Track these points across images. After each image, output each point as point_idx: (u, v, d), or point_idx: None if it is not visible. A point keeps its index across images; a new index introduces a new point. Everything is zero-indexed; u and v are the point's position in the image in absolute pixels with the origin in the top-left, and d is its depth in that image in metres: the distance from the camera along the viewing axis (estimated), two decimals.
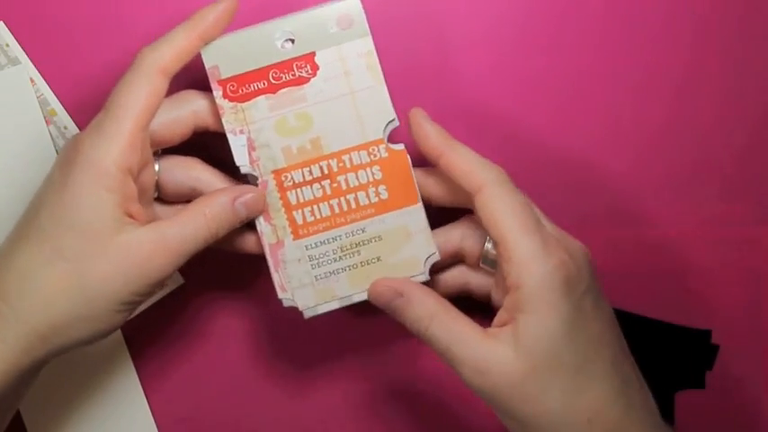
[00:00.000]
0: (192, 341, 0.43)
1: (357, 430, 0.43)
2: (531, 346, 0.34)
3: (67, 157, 0.34)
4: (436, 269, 0.40)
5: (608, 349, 0.35)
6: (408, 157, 0.39)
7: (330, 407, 0.43)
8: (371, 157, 0.39)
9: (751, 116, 0.44)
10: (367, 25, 0.38)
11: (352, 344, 0.44)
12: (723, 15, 0.44)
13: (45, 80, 0.43)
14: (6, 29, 0.43)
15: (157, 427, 0.43)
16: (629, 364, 0.36)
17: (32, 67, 0.43)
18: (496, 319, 0.35)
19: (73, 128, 0.43)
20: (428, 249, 0.38)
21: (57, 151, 0.43)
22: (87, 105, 0.43)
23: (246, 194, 0.37)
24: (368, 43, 0.38)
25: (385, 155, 0.39)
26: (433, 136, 0.37)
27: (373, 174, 0.39)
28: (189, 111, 0.38)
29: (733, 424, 0.43)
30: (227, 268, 0.43)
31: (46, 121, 0.43)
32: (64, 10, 0.43)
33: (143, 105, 0.35)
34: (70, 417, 0.42)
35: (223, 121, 0.38)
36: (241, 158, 0.38)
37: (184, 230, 0.35)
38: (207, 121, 0.38)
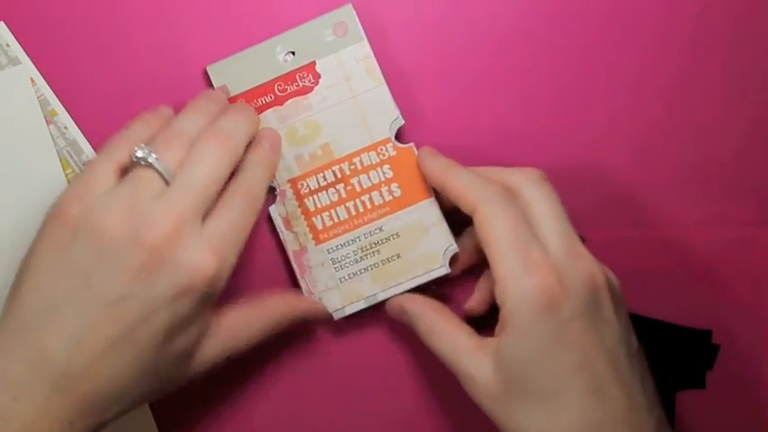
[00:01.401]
0: None
1: (360, 429, 0.43)
2: (507, 367, 0.34)
3: (153, 276, 0.33)
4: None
5: (590, 379, 0.34)
6: (416, 152, 0.39)
7: (330, 406, 0.43)
8: (380, 156, 0.40)
9: (751, 116, 0.44)
10: (362, 30, 0.40)
11: (353, 343, 0.43)
12: (723, 15, 0.44)
13: (45, 80, 0.43)
14: (6, 29, 0.43)
15: (157, 426, 0.43)
16: (624, 397, 0.34)
17: (32, 67, 0.43)
18: (497, 328, 0.35)
19: (73, 128, 0.43)
20: (445, 242, 0.39)
21: (57, 151, 0.43)
22: (87, 105, 0.43)
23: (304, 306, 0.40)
24: (364, 47, 0.40)
25: (393, 153, 0.40)
26: (435, 167, 0.38)
27: (384, 173, 0.40)
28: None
29: (733, 424, 0.43)
30: None
31: (46, 121, 0.43)
32: (64, 10, 0.43)
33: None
34: None
35: None
36: None
37: (241, 336, 0.38)
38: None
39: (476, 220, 0.36)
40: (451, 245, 0.39)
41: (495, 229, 0.35)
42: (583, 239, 0.38)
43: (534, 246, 0.35)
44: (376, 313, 0.42)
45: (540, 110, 0.43)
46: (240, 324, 0.38)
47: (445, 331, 0.37)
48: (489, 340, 0.36)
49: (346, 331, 0.43)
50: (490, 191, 0.36)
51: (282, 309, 0.39)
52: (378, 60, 0.40)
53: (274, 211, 0.41)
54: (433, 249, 0.39)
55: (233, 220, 0.35)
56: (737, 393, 0.43)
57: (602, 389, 0.34)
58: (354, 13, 0.40)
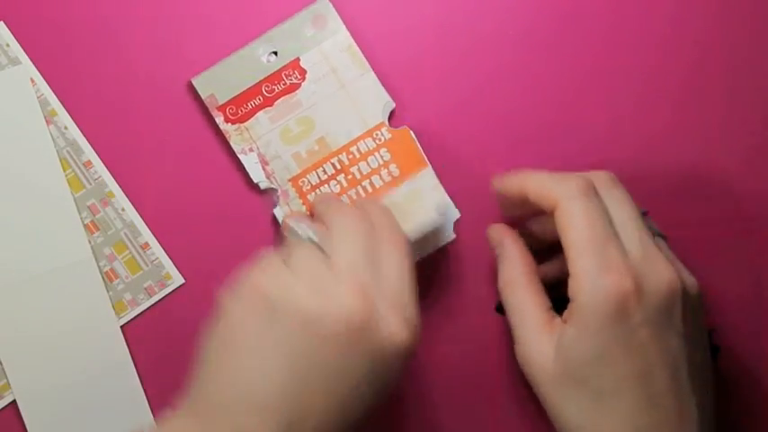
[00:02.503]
0: (192, 341, 0.43)
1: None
2: (567, 357, 0.34)
3: (373, 344, 0.34)
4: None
5: (647, 388, 0.34)
6: (412, 132, 0.40)
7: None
8: (377, 141, 0.40)
9: (751, 116, 0.44)
10: (340, 21, 0.40)
11: None
12: (726, 18, 0.44)
13: (45, 80, 0.43)
14: (6, 29, 0.43)
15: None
16: (676, 409, 0.34)
17: (32, 67, 0.43)
18: (565, 313, 0.35)
19: (73, 128, 0.43)
20: (440, 198, 0.40)
21: (57, 151, 0.43)
22: (87, 105, 0.43)
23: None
24: (346, 37, 0.40)
25: (389, 136, 0.40)
26: (511, 182, 0.38)
27: (382, 156, 0.40)
28: None
29: (733, 424, 0.43)
30: (227, 268, 0.43)
31: (46, 121, 0.43)
32: (64, 10, 0.43)
33: None
34: (70, 416, 0.42)
35: (231, 144, 0.39)
36: (257, 175, 0.40)
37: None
38: None
39: (556, 214, 0.35)
40: (444, 198, 0.40)
41: (575, 223, 0.34)
42: (665, 237, 0.38)
43: (613, 245, 0.34)
44: None
45: (543, 111, 0.43)
46: None
47: (524, 291, 0.37)
48: (557, 323, 0.35)
49: None
50: (571, 185, 0.35)
51: None
52: (366, 48, 0.41)
53: (279, 212, 0.41)
54: (429, 206, 0.40)
55: (397, 270, 0.35)
56: (737, 393, 0.43)
57: (657, 398, 0.34)
58: (331, 5, 0.40)
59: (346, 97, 0.40)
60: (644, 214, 0.38)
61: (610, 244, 0.34)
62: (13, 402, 0.42)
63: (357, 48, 0.40)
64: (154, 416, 0.43)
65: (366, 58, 0.40)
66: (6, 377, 0.42)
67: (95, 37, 0.43)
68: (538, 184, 0.36)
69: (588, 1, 0.44)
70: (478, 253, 0.43)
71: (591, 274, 0.33)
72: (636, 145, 0.44)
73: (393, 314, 0.33)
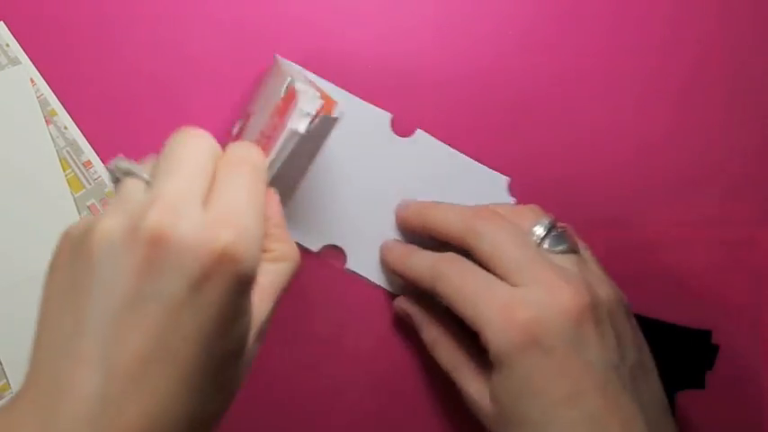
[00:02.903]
0: None
1: (360, 430, 0.43)
2: (499, 401, 0.35)
3: (205, 268, 0.27)
4: None
5: (580, 409, 0.33)
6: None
7: (331, 406, 0.43)
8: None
9: (752, 117, 0.44)
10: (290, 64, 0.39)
11: (354, 343, 0.43)
12: (727, 18, 0.44)
13: (45, 80, 0.43)
14: (6, 29, 0.43)
15: None
16: (617, 421, 0.33)
17: (32, 67, 0.43)
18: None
19: (73, 128, 0.43)
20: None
21: (57, 151, 0.43)
22: (87, 105, 0.43)
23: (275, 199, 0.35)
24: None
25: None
26: (392, 258, 0.41)
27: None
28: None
29: (733, 424, 0.43)
30: None
31: (46, 121, 0.43)
32: (64, 10, 0.43)
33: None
34: None
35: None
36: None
37: (281, 280, 0.33)
38: None
39: (438, 294, 0.37)
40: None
41: (453, 292, 0.36)
42: (575, 251, 0.37)
43: (497, 289, 0.35)
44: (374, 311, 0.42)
45: (542, 111, 0.44)
46: (259, 297, 0.32)
47: (447, 348, 0.39)
48: (487, 367, 0.36)
49: (348, 329, 0.43)
50: (436, 262, 0.37)
51: (285, 269, 0.34)
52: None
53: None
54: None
55: (237, 188, 0.30)
56: (737, 393, 0.43)
57: (594, 416, 0.33)
58: (278, 56, 0.40)
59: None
60: (552, 227, 0.37)
61: (494, 290, 0.35)
62: None
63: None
64: None
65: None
66: (6, 377, 0.42)
67: (95, 37, 0.43)
68: (413, 271, 0.39)
69: (588, 1, 0.44)
70: None
71: (489, 325, 0.34)
72: (635, 145, 0.44)
73: (210, 224, 0.28)
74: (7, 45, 0.43)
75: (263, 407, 0.43)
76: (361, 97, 0.42)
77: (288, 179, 0.39)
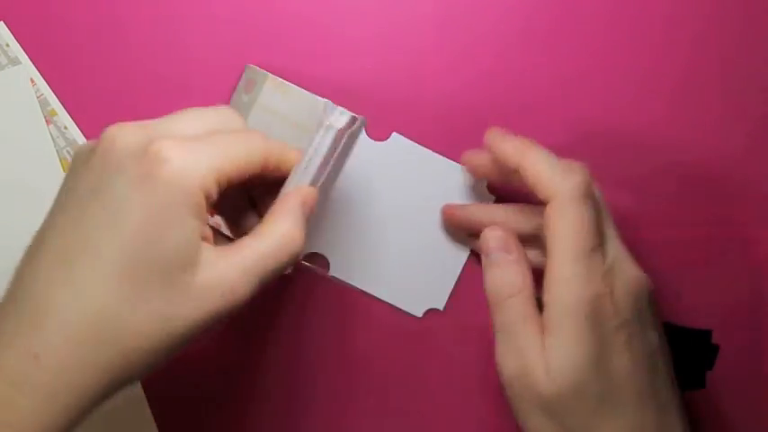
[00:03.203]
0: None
1: (361, 429, 0.43)
2: (558, 372, 0.34)
3: (146, 169, 0.29)
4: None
5: (634, 384, 0.34)
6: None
7: (331, 407, 0.43)
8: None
9: (751, 116, 0.44)
10: (265, 73, 0.40)
11: (354, 344, 0.43)
12: (723, 17, 0.44)
13: (45, 80, 0.43)
14: (6, 29, 0.43)
15: (157, 427, 0.43)
16: (654, 404, 0.35)
17: (32, 67, 0.43)
18: (543, 321, 0.35)
19: (73, 128, 0.43)
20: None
21: (57, 151, 0.43)
22: (87, 105, 0.43)
23: (309, 194, 0.35)
24: (274, 81, 0.40)
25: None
26: (508, 149, 0.37)
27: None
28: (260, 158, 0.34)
29: (733, 424, 0.43)
30: None
31: (46, 121, 0.43)
32: (64, 10, 0.43)
33: (244, 147, 0.33)
34: None
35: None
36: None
37: (264, 258, 0.32)
38: (273, 168, 0.34)
39: (547, 211, 0.35)
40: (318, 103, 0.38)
41: (562, 228, 0.34)
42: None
43: (597, 253, 0.34)
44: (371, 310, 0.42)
45: (540, 111, 0.44)
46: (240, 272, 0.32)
47: (516, 301, 0.36)
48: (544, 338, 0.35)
49: (349, 332, 0.43)
50: (574, 183, 0.34)
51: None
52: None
53: None
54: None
55: (216, 141, 0.32)
56: (737, 393, 0.43)
57: (646, 394, 0.34)
58: (256, 67, 0.41)
59: (290, 126, 0.39)
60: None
61: (593, 253, 0.34)
62: None
63: (293, 86, 0.39)
64: (154, 416, 0.43)
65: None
66: None
67: (95, 37, 0.43)
68: (538, 168, 0.35)
69: (593, 5, 0.44)
70: None
71: (571, 286, 0.34)
72: (634, 145, 0.44)
73: (169, 144, 0.30)
74: (7, 45, 0.43)
75: (257, 409, 0.43)
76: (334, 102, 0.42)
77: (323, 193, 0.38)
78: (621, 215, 0.43)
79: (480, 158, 0.40)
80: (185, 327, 0.30)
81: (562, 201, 0.34)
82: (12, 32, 0.43)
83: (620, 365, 0.34)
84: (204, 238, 0.31)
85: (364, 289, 0.43)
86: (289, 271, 0.34)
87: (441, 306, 0.43)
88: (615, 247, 0.35)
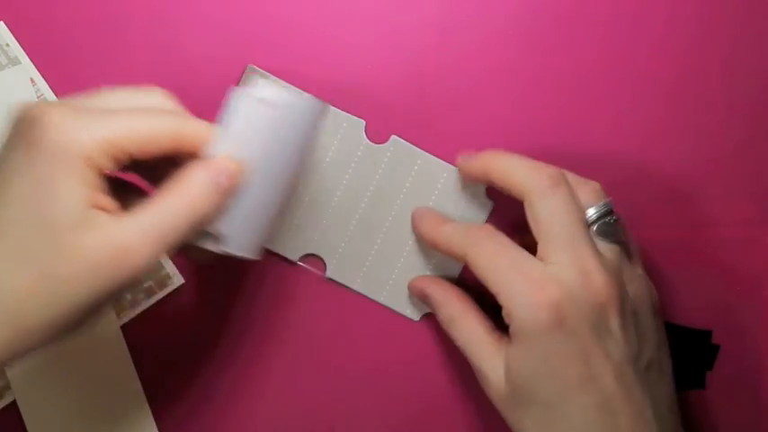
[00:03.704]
0: (191, 341, 0.43)
1: (358, 429, 0.43)
2: (513, 376, 0.35)
3: (33, 136, 0.30)
4: None
5: (594, 394, 0.34)
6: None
7: (331, 407, 0.43)
8: None
9: (751, 116, 0.44)
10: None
11: (351, 347, 0.43)
12: (725, 15, 0.44)
13: (45, 80, 0.43)
14: (6, 29, 0.43)
15: (157, 426, 0.43)
16: (629, 412, 0.34)
17: (32, 67, 0.43)
18: (509, 331, 0.36)
19: None
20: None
21: None
22: None
23: (229, 167, 0.33)
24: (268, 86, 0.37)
25: None
26: (475, 167, 0.39)
27: None
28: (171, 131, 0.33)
29: (733, 424, 0.43)
30: (228, 268, 0.43)
31: None
32: (64, 10, 0.43)
33: (146, 120, 0.32)
34: (70, 417, 0.42)
35: None
36: None
37: (164, 223, 0.31)
38: (185, 149, 0.33)
39: (469, 263, 0.36)
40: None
41: (485, 261, 0.36)
42: (622, 243, 0.38)
43: (530, 264, 0.35)
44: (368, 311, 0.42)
45: (541, 111, 0.43)
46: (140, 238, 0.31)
47: (466, 323, 0.38)
48: (504, 343, 0.36)
49: (348, 333, 0.43)
50: (470, 231, 0.37)
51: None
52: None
53: None
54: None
55: (116, 115, 0.32)
56: (737, 393, 0.43)
57: (607, 403, 0.34)
58: (255, 68, 0.40)
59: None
60: (607, 214, 0.37)
61: (535, 263, 0.35)
62: (13, 402, 0.42)
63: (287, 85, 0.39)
64: (154, 416, 0.43)
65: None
66: (6, 377, 0.42)
67: (95, 37, 0.43)
68: (504, 173, 0.37)
69: (587, 2, 0.44)
70: None
71: (521, 294, 0.34)
72: (634, 145, 0.44)
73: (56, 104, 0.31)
74: (7, 45, 0.43)
75: (256, 410, 0.43)
76: (333, 105, 0.42)
77: (277, 179, 0.36)
78: (621, 215, 0.43)
79: (472, 166, 0.40)
80: (72, 289, 0.30)
81: (530, 200, 0.36)
82: (12, 32, 0.43)
83: (572, 375, 0.34)
84: (99, 207, 0.31)
85: (362, 292, 0.43)
86: (219, 250, 0.34)
87: None
88: (577, 257, 0.35)
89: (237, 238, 0.34)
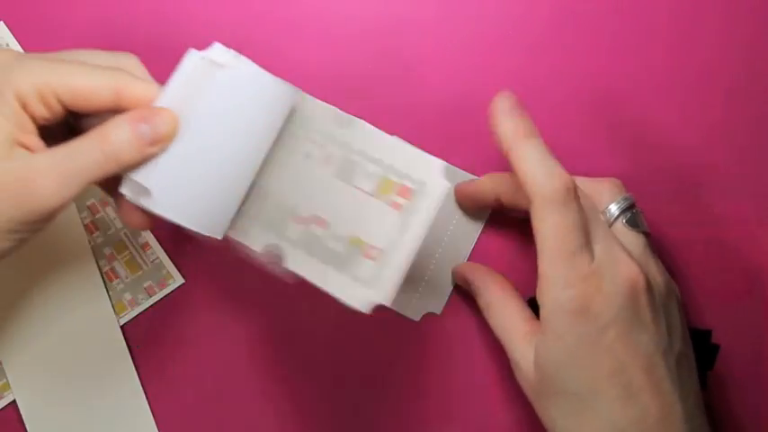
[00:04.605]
0: (192, 341, 0.43)
1: (358, 430, 0.43)
2: (542, 365, 0.35)
3: None
4: None
5: (622, 386, 0.34)
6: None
7: (331, 407, 0.43)
8: None
9: (752, 116, 0.44)
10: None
11: (352, 347, 0.43)
12: (729, 19, 0.44)
13: None
14: (6, 29, 0.43)
15: (157, 427, 0.43)
16: (657, 405, 0.34)
17: None
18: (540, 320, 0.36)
19: None
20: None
21: None
22: None
23: (154, 115, 0.33)
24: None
25: None
26: (505, 133, 0.35)
27: None
28: (112, 86, 0.33)
29: (733, 424, 0.43)
30: (227, 268, 0.43)
31: None
32: (64, 10, 0.43)
33: (83, 71, 0.32)
34: (70, 417, 0.42)
35: None
36: None
37: (75, 160, 0.31)
38: (129, 103, 0.33)
39: (532, 210, 0.34)
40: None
41: (549, 229, 0.34)
42: (647, 234, 0.38)
43: (580, 255, 0.34)
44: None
45: (541, 111, 0.44)
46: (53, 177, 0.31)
47: (502, 310, 0.38)
48: (534, 334, 0.36)
49: (350, 335, 0.43)
50: (554, 184, 0.34)
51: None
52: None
53: None
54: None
55: (59, 62, 0.32)
56: (737, 393, 0.43)
57: (634, 396, 0.34)
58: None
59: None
60: (629, 208, 0.38)
61: (578, 254, 0.34)
62: (13, 402, 0.42)
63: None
64: (154, 416, 0.43)
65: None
66: (6, 377, 0.42)
67: (95, 37, 0.43)
68: (524, 167, 0.35)
69: (591, 3, 0.44)
70: (502, 250, 0.43)
71: (556, 284, 0.34)
72: (634, 145, 0.44)
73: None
74: (7, 45, 0.43)
75: (255, 410, 0.43)
76: (333, 105, 0.42)
77: (241, 160, 0.36)
78: None
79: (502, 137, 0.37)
80: None
81: (542, 203, 0.34)
82: (12, 32, 0.43)
83: (604, 366, 0.34)
84: (25, 146, 0.32)
85: None
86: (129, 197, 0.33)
87: (438, 311, 0.43)
88: (605, 249, 0.35)
89: (163, 194, 0.33)
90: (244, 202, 0.37)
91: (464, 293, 0.43)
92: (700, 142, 0.44)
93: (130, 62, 0.35)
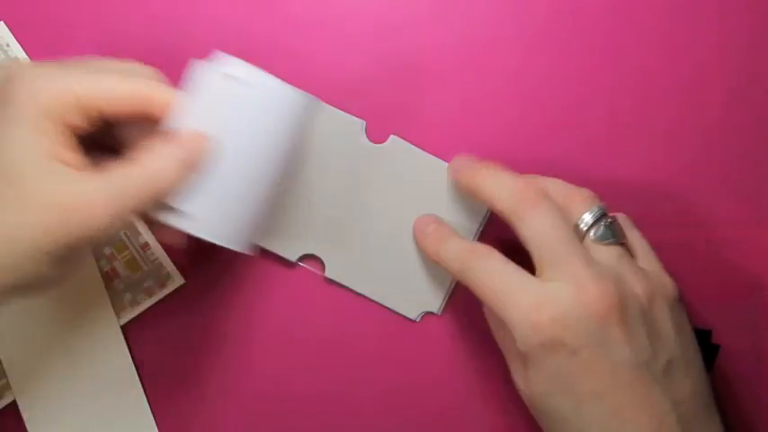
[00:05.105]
0: (192, 341, 0.43)
1: (358, 430, 0.43)
2: (528, 394, 0.36)
3: (6, 93, 0.31)
4: None
5: (607, 406, 0.34)
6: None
7: (331, 407, 0.43)
8: None
9: (752, 116, 0.44)
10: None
11: (350, 347, 0.43)
12: (726, 17, 0.44)
13: None
14: (6, 29, 0.43)
15: (157, 427, 0.43)
16: (646, 417, 0.34)
17: None
18: None
19: None
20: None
21: None
22: None
23: (193, 141, 0.34)
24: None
25: None
26: (463, 179, 0.39)
27: None
28: (141, 97, 0.34)
29: (733, 424, 0.43)
30: (227, 268, 0.43)
31: None
32: (64, 10, 0.43)
33: (116, 78, 0.33)
34: (71, 417, 0.42)
35: None
36: None
37: (123, 185, 0.32)
38: (155, 113, 0.34)
39: (467, 286, 0.36)
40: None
41: (480, 288, 0.36)
42: (623, 243, 0.38)
43: (524, 288, 0.35)
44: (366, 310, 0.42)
45: (542, 111, 0.43)
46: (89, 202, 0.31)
47: (505, 333, 0.38)
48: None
49: (351, 335, 0.43)
50: (467, 255, 0.37)
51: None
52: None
53: None
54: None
55: (88, 72, 0.33)
56: (737, 393, 0.43)
57: (619, 413, 0.34)
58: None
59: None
60: (601, 218, 0.37)
61: (529, 287, 0.35)
62: (13, 402, 0.42)
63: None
64: (154, 416, 0.43)
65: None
66: (6, 377, 0.42)
67: (95, 37, 0.43)
68: (486, 193, 0.37)
69: (590, 2, 0.44)
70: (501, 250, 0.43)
71: (516, 322, 0.34)
72: (634, 145, 0.44)
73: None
74: (7, 45, 0.43)
75: (255, 410, 0.43)
76: (333, 105, 0.42)
77: (262, 174, 0.36)
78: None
79: (459, 181, 0.40)
80: (28, 234, 0.30)
81: (514, 223, 0.36)
82: (12, 32, 0.43)
83: (583, 389, 0.34)
84: (63, 161, 0.31)
85: (361, 292, 0.43)
86: (165, 219, 0.34)
87: (437, 310, 0.43)
88: (563, 270, 0.35)
89: (200, 217, 0.34)
90: (271, 214, 0.37)
91: (464, 293, 0.43)
92: (699, 142, 0.44)
93: (146, 70, 0.35)
